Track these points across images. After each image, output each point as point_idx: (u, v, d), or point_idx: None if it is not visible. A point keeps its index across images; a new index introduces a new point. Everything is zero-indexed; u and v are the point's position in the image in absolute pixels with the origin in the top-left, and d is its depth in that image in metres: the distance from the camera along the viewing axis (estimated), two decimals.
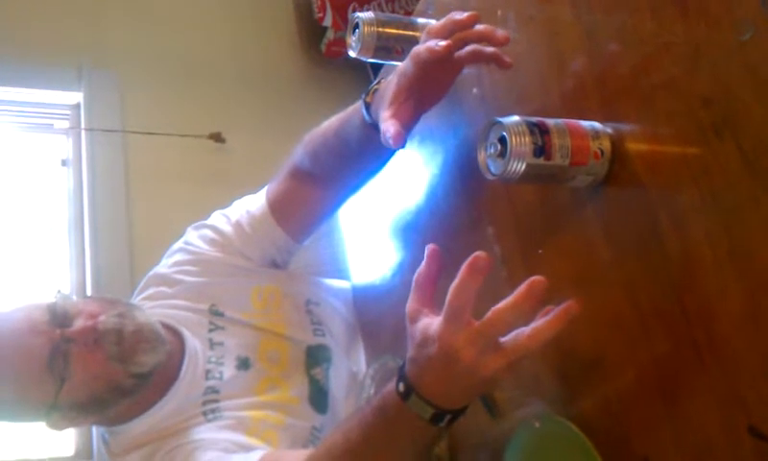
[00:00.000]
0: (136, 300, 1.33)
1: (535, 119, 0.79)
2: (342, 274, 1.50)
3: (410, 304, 0.81)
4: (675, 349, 0.75)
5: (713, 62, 0.70)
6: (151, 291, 1.33)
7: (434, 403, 0.79)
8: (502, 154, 0.79)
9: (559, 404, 0.91)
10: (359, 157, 1.16)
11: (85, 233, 2.21)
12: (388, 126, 0.93)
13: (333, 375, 1.32)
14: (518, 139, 0.77)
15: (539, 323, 0.75)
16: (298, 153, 1.27)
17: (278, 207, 1.31)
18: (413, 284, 0.82)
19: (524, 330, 0.75)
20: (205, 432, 1.18)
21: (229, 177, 2.34)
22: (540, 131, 0.78)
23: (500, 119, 0.79)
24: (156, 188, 2.31)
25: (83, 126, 2.32)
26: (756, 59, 0.65)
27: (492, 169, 0.81)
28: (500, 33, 0.91)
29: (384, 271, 1.33)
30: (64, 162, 2.39)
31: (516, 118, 0.79)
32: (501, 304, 0.74)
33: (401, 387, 0.81)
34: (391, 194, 1.32)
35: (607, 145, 0.80)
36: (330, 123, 1.19)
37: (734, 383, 0.69)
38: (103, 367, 1.12)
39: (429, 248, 0.81)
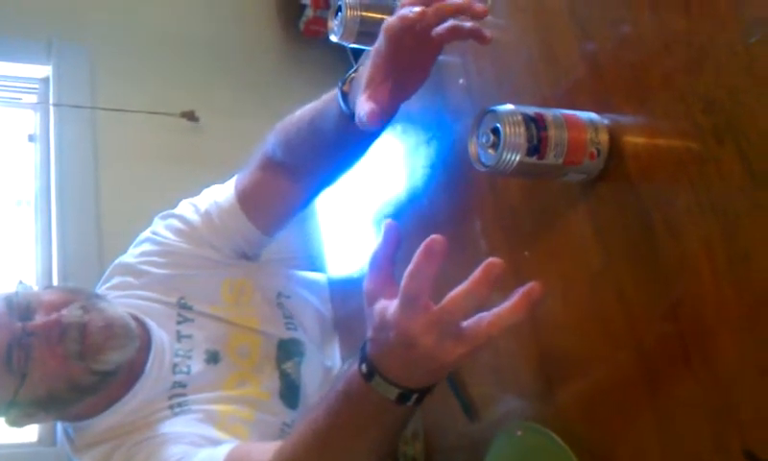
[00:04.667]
0: (101, 289, 1.29)
1: (532, 112, 0.75)
2: (315, 264, 1.47)
3: (366, 284, 0.76)
4: (666, 357, 0.72)
5: (717, 64, 0.66)
6: (116, 281, 1.29)
7: (398, 383, 0.76)
8: (494, 145, 0.75)
9: (539, 405, 0.89)
10: (335, 148, 1.11)
11: (52, 212, 2.17)
12: (363, 106, 0.88)
13: (305, 369, 1.29)
14: (512, 130, 0.73)
15: (500, 308, 0.71)
16: (269, 142, 1.22)
17: (248, 200, 1.26)
18: (369, 262, 0.77)
19: (485, 316, 0.71)
20: (172, 426, 1.15)
21: (202, 157, 2.30)
22: (536, 126, 0.74)
23: (494, 108, 0.75)
24: (125, 167, 2.27)
25: (51, 101, 2.27)
26: (763, 63, 0.62)
27: (484, 160, 0.77)
28: (479, 5, 0.86)
29: (362, 265, 1.30)
30: (31, 138, 2.33)
31: (510, 107, 0.75)
32: (457, 290, 0.70)
33: (364, 368, 0.77)
34: (370, 185, 1.29)
35: (604, 139, 0.76)
36: (304, 112, 1.14)
37: (728, 398, 0.66)
38: (62, 364, 1.08)
39: (385, 223, 0.76)
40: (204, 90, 2.45)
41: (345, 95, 1.01)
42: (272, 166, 1.24)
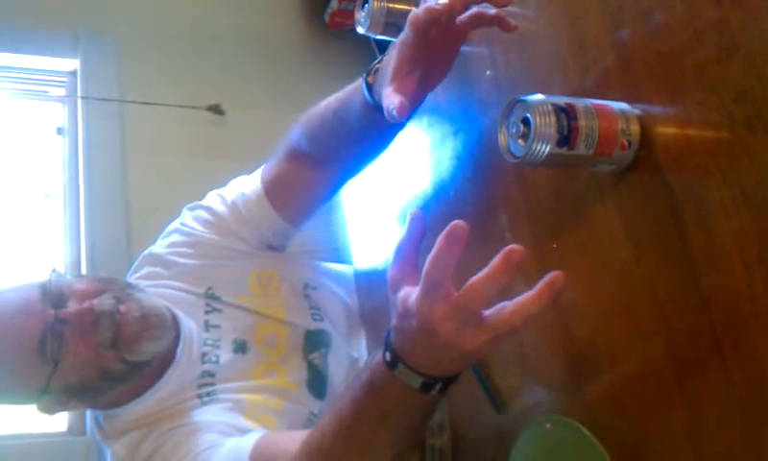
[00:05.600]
0: (131, 278, 1.30)
1: (563, 102, 0.74)
2: (341, 256, 1.47)
3: (390, 272, 0.76)
4: (697, 352, 0.72)
5: (749, 54, 0.66)
6: (146, 271, 1.30)
7: (422, 372, 0.75)
8: (524, 135, 0.74)
9: (567, 397, 0.88)
10: (360, 139, 1.11)
11: (81, 204, 2.18)
12: (391, 98, 0.87)
13: (332, 360, 1.29)
14: (543, 119, 0.72)
15: (523, 297, 0.69)
16: (294, 133, 1.22)
17: (274, 191, 1.26)
18: (393, 251, 0.77)
19: (507, 304, 0.70)
20: (202, 415, 1.16)
21: (228, 149, 2.30)
22: (567, 116, 0.73)
23: (524, 97, 0.75)
24: (152, 159, 2.27)
25: (79, 94, 2.28)
26: None
27: (513, 151, 0.77)
28: None
29: (388, 257, 1.29)
30: (60, 131, 2.35)
31: (541, 97, 0.74)
32: (477, 276, 0.69)
33: (388, 356, 0.77)
34: (396, 177, 1.28)
35: (636, 129, 0.75)
36: (329, 102, 1.14)
37: (760, 394, 0.65)
38: (94, 353, 1.09)
39: (411, 212, 0.76)
40: (230, 83, 2.45)
41: (369, 86, 1.00)
42: (297, 157, 1.24)
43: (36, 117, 2.38)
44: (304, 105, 1.21)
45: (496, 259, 0.68)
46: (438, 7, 0.86)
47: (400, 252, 0.76)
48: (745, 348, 0.67)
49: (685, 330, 0.73)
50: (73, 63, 2.34)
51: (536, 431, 0.86)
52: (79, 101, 2.27)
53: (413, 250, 0.76)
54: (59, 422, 1.97)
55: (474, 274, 0.69)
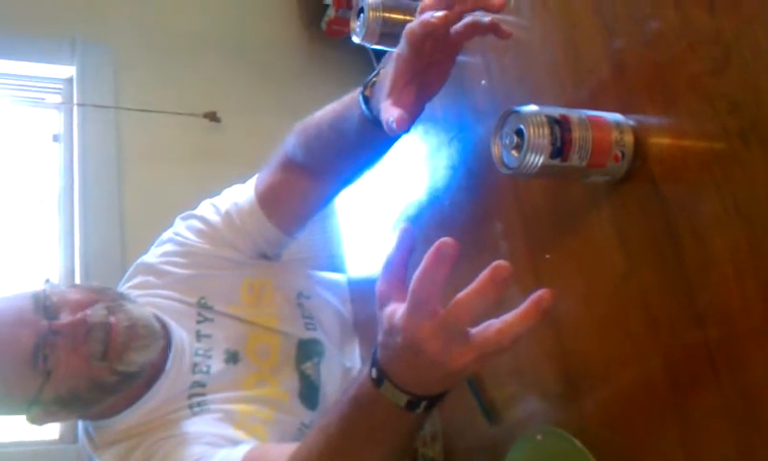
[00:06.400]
0: (123, 287, 1.29)
1: (556, 113, 0.74)
2: (336, 264, 1.46)
3: (378, 287, 0.75)
4: (690, 364, 0.71)
5: (743, 64, 0.65)
6: (137, 280, 1.29)
7: (407, 390, 0.74)
8: (518, 146, 0.74)
9: (560, 409, 0.88)
10: (356, 150, 1.11)
11: (75, 211, 2.18)
12: (391, 112, 0.87)
13: (325, 370, 1.29)
14: (536, 131, 0.72)
15: (509, 315, 0.68)
16: (289, 143, 1.22)
17: (268, 201, 1.25)
18: (382, 265, 0.76)
19: (494, 323, 0.68)
20: (192, 426, 1.15)
21: (224, 157, 2.31)
22: (560, 128, 0.73)
23: (518, 109, 0.74)
24: (148, 167, 2.28)
25: (75, 101, 2.28)
26: None
27: (507, 162, 0.76)
28: None
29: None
30: (56, 138, 2.35)
31: (534, 108, 0.74)
32: (464, 292, 0.68)
33: (374, 373, 0.76)
34: (391, 186, 1.28)
35: (629, 140, 0.75)
36: (325, 113, 1.13)
37: (754, 407, 0.65)
38: (85, 364, 1.08)
39: (400, 227, 0.75)
40: (227, 91, 2.45)
41: (366, 99, 1.00)
42: (292, 167, 1.23)
43: (33, 124, 2.38)
44: (301, 112, 1.21)
45: (482, 276, 0.67)
46: (433, 20, 0.86)
47: (389, 267, 0.75)
48: (738, 360, 0.66)
49: (679, 343, 0.72)
50: (69, 70, 2.35)
51: (528, 442, 0.86)
52: (75, 108, 2.27)
53: (401, 265, 0.75)
54: (50, 430, 1.96)
55: (468, 283, 0.68)
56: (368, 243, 1.39)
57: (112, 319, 1.10)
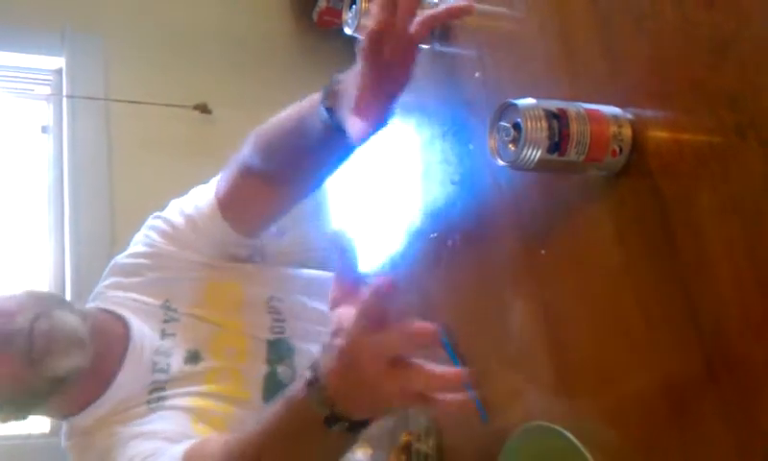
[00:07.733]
0: (99, 286, 1.32)
1: (554, 107, 0.73)
2: (324, 260, 1.45)
3: (331, 291, 0.80)
4: (686, 362, 0.71)
5: (741, 59, 0.65)
6: (110, 280, 1.32)
7: (332, 400, 0.77)
8: (515, 140, 0.73)
9: (556, 405, 0.87)
10: (318, 157, 1.12)
11: (65, 203, 2.17)
12: (356, 124, 0.90)
13: (293, 371, 1.29)
14: (534, 125, 0.71)
15: (442, 369, 0.75)
16: (246, 151, 1.21)
17: (228, 207, 1.26)
18: (337, 268, 0.81)
19: (429, 365, 0.75)
20: (149, 422, 1.17)
21: (215, 149, 2.25)
22: (558, 122, 0.72)
23: (515, 102, 0.74)
24: (138, 159, 2.27)
25: (64, 92, 2.26)
26: None
27: (503, 156, 0.76)
28: None
29: (373, 264, 1.28)
30: (45, 129, 2.33)
31: (532, 101, 0.73)
32: (398, 325, 0.74)
33: (309, 373, 0.79)
34: (383, 181, 1.27)
35: (627, 134, 0.74)
36: (282, 121, 1.14)
37: (751, 405, 0.64)
38: (11, 370, 1.12)
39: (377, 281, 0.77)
40: (218, 83, 2.44)
41: (328, 108, 1.00)
42: (249, 173, 1.23)
43: (22, 115, 2.37)
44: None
45: (415, 325, 0.74)
46: (376, 28, 0.85)
47: (338, 275, 0.80)
48: (734, 356, 0.66)
49: (673, 338, 0.72)
50: (59, 61, 2.33)
51: (523, 438, 0.85)
52: (64, 99, 2.26)
53: (349, 273, 0.80)
54: (41, 423, 1.96)
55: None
56: (358, 237, 1.38)
57: (35, 325, 1.12)
